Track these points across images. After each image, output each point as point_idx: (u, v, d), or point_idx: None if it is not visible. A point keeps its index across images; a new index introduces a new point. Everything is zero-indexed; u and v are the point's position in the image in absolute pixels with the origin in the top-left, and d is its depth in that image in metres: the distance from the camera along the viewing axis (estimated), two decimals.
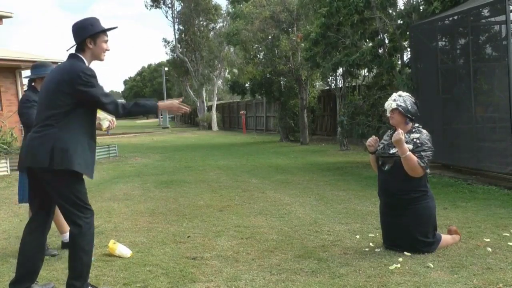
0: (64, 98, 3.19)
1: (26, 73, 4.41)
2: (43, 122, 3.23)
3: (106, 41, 3.38)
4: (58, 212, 3.59)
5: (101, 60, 3.42)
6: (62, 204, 3.21)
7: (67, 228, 4.10)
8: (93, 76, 3.23)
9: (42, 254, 3.40)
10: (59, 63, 3.58)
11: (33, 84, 4.48)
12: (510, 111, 6.46)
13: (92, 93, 3.20)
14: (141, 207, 6.43)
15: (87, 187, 3.34)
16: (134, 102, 3.44)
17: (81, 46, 3.32)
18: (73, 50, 3.35)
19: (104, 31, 3.36)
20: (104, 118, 3.72)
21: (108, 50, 3.42)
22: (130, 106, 3.38)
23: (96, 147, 13.84)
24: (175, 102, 3.55)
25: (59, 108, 3.18)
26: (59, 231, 4.59)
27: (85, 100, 3.23)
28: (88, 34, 3.29)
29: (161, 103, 3.53)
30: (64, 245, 4.41)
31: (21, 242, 3.33)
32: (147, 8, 34.79)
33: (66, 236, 4.30)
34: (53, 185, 3.19)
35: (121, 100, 3.84)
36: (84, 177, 3.28)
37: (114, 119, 4.01)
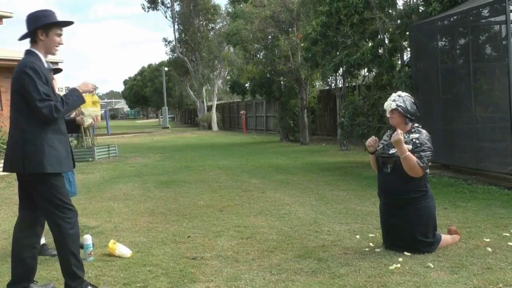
0: (18, 96, 3.13)
1: None
2: (13, 124, 3.21)
3: (59, 35, 3.28)
4: None
5: (53, 54, 3.32)
6: (43, 205, 3.19)
7: None
8: (35, 71, 3.06)
9: (35, 252, 3.37)
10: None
11: None
12: (510, 111, 6.46)
13: (29, 92, 3.04)
14: (141, 207, 6.44)
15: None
16: (63, 101, 3.18)
17: (32, 37, 3.22)
18: (27, 42, 3.26)
19: (57, 24, 3.26)
20: (88, 115, 3.67)
21: (62, 44, 3.30)
22: (63, 107, 3.15)
23: (96, 147, 13.65)
24: (88, 83, 3.43)
25: (20, 107, 3.13)
26: None
27: (25, 98, 3.07)
28: (39, 24, 3.18)
29: (79, 87, 3.35)
30: None
31: (12, 242, 3.33)
32: (144, 10, 34.77)
33: None
34: (34, 187, 3.19)
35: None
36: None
37: (98, 116, 3.91)
